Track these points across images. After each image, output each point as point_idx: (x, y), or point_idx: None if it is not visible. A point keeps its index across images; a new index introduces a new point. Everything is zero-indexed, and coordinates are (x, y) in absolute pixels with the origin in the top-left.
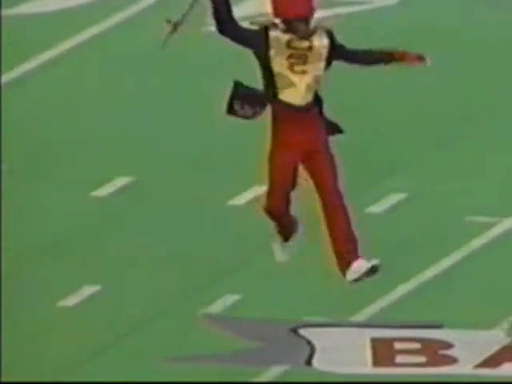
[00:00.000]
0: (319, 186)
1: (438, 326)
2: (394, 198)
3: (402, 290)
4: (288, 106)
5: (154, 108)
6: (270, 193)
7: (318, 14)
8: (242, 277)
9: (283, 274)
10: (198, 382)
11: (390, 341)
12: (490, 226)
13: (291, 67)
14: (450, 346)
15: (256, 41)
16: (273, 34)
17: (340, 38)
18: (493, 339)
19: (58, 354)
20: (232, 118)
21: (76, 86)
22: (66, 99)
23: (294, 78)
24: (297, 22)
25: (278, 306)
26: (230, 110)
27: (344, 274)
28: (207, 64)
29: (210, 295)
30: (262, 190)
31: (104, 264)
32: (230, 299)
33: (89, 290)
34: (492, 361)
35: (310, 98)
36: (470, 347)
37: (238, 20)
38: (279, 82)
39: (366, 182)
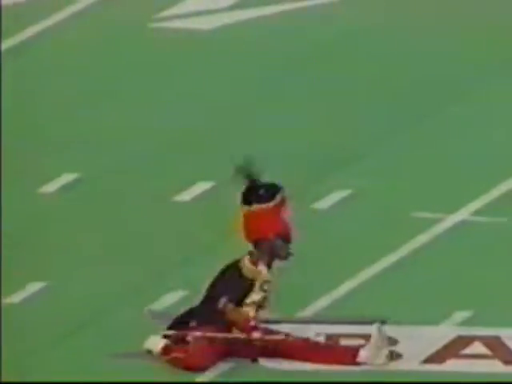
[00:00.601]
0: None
1: (383, 322)
2: (339, 195)
3: (348, 286)
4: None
5: (100, 104)
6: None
7: (262, 12)
8: (188, 273)
9: None
10: (143, 381)
11: (335, 337)
12: (434, 222)
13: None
14: (394, 341)
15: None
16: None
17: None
18: (437, 335)
19: (1, 352)
20: (178, 117)
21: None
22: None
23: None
24: (280, 243)
25: None
26: None
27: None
28: (152, 60)
29: (155, 292)
30: (208, 185)
31: (49, 261)
32: (175, 296)
33: (34, 287)
34: (437, 357)
35: None
36: (414, 343)
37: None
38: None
39: (311, 178)
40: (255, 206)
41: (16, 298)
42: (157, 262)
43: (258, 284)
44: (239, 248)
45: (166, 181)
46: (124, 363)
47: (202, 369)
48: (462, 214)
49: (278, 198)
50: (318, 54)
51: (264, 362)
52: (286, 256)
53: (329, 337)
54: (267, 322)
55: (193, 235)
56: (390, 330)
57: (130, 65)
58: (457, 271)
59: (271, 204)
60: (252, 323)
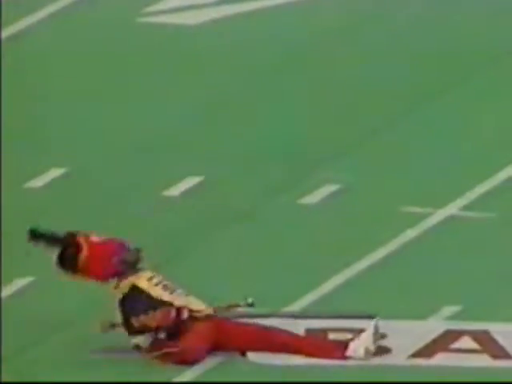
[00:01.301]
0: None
1: (371, 317)
2: (328, 189)
3: (336, 280)
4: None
5: (88, 99)
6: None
7: (249, 7)
8: (175, 269)
9: (215, 265)
10: (129, 381)
11: (324, 331)
12: (424, 216)
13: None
14: (383, 336)
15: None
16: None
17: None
18: (426, 329)
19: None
20: (166, 112)
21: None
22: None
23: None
24: (128, 256)
25: (211, 298)
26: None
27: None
28: (140, 55)
29: None
30: (197, 180)
31: (37, 256)
32: None
33: (21, 282)
34: (426, 351)
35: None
36: (403, 337)
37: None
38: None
39: (299, 172)
40: (78, 269)
41: (3, 293)
42: (145, 258)
43: (143, 280)
44: (225, 240)
45: (154, 175)
46: (111, 358)
47: (194, 362)
48: (451, 209)
49: (81, 241)
50: (307, 49)
51: (252, 357)
52: (138, 256)
53: (317, 331)
54: (254, 316)
55: (182, 230)
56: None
57: (118, 60)
58: (445, 266)
59: (84, 254)
60: (171, 313)
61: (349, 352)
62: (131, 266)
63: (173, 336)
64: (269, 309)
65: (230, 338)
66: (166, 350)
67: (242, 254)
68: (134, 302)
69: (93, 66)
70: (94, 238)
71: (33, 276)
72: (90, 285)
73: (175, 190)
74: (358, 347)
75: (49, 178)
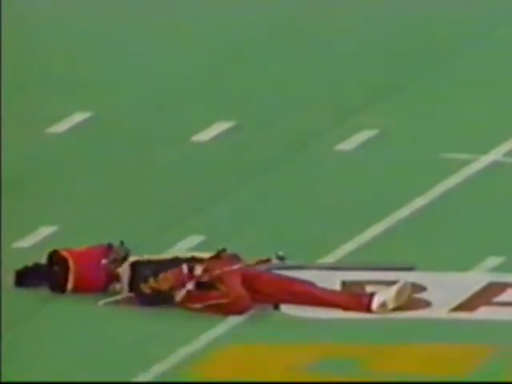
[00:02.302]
0: (274, 295)
1: (411, 269)
2: (365, 135)
3: (374, 230)
4: None
5: (115, 43)
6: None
7: None
8: (207, 217)
9: (249, 214)
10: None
11: (361, 284)
12: (465, 163)
13: None
14: (422, 289)
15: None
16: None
17: None
18: (468, 282)
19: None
20: (197, 55)
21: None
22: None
23: None
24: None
25: (245, 248)
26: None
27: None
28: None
29: (173, 235)
30: (228, 125)
31: (61, 204)
32: (194, 240)
33: (45, 231)
34: (468, 304)
35: None
36: (444, 290)
37: None
38: None
39: (336, 118)
40: (71, 283)
41: (26, 242)
42: (175, 205)
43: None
44: (259, 188)
45: (183, 120)
46: (136, 311)
47: (242, 312)
48: (495, 155)
49: (65, 255)
50: None
51: (286, 310)
52: (126, 250)
53: (353, 283)
54: (288, 268)
55: (212, 176)
56: (418, 277)
57: (147, 2)
58: (489, 214)
59: (71, 266)
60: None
61: (373, 306)
62: (123, 261)
63: (204, 288)
64: (303, 260)
65: (255, 287)
66: (211, 301)
67: (275, 203)
68: (142, 268)
69: (119, 10)
70: (77, 249)
71: (56, 225)
72: (112, 234)
73: (205, 136)
74: (377, 300)
75: (73, 122)
